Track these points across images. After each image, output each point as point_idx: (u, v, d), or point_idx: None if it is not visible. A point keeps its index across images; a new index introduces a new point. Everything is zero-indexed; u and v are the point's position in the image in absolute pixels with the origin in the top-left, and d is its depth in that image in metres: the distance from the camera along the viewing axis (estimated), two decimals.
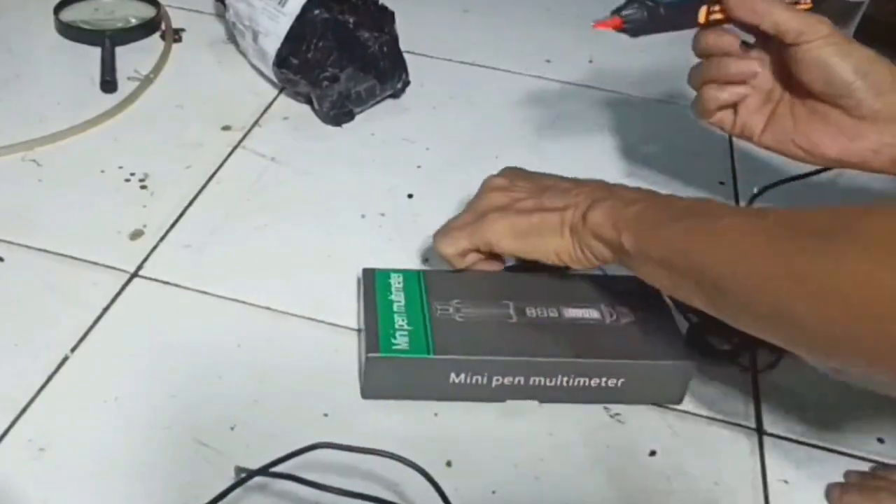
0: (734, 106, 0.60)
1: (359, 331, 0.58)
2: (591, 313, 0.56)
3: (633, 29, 0.57)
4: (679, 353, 0.54)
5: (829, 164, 0.60)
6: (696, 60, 0.60)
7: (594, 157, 0.77)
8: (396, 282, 0.57)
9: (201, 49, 0.85)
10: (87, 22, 0.86)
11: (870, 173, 0.58)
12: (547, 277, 0.58)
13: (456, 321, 0.54)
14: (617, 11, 0.56)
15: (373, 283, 0.57)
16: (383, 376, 0.53)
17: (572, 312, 0.55)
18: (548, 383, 0.53)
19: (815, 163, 0.59)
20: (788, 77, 0.58)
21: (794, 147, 0.59)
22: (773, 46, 0.58)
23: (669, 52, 0.93)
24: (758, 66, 0.59)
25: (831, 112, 0.57)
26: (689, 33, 0.59)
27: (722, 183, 0.75)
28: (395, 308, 0.55)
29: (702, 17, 0.57)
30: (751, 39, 0.59)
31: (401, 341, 0.53)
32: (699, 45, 0.59)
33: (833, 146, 0.57)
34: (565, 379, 0.53)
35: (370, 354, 0.52)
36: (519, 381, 0.53)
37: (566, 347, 0.53)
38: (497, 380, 0.53)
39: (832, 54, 0.55)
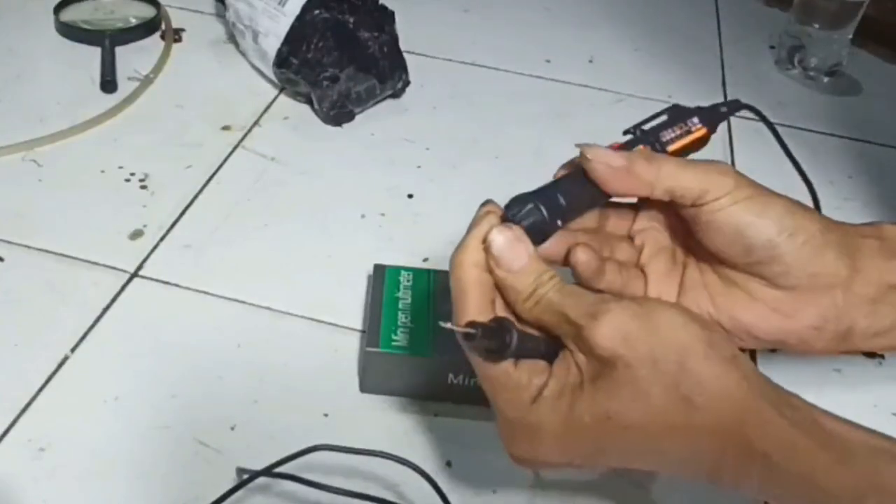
0: (642, 271, 0.46)
1: (362, 329, 0.58)
2: None
3: (536, 235, 0.41)
4: None
5: (761, 347, 0.46)
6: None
7: None
8: (406, 279, 0.57)
9: (201, 49, 0.85)
10: (87, 22, 0.86)
11: None
12: None
13: None
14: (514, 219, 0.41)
15: (382, 279, 0.57)
16: (381, 372, 0.53)
17: None
18: None
19: (745, 346, 0.44)
20: (688, 238, 0.45)
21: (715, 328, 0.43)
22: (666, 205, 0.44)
23: (669, 51, 0.93)
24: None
25: (751, 284, 0.44)
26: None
27: None
28: (400, 305, 0.55)
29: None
30: None
31: (401, 338, 0.53)
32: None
33: (763, 326, 0.44)
34: None
35: (368, 349, 0.52)
36: None
37: None
38: None
39: (745, 212, 0.42)
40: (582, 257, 0.43)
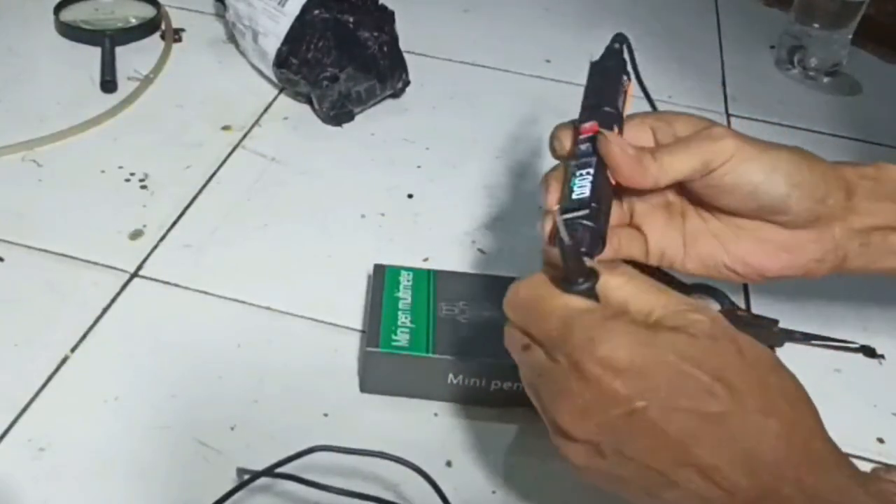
0: (638, 230, 0.48)
1: (362, 329, 0.58)
2: None
3: (590, 249, 0.42)
4: None
5: (769, 283, 0.49)
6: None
7: None
8: (406, 279, 0.57)
9: (201, 49, 0.85)
10: (87, 22, 0.86)
11: None
12: None
13: (460, 322, 0.54)
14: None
15: (382, 279, 0.57)
16: (381, 371, 0.53)
17: None
18: None
19: (749, 282, 0.50)
20: (683, 187, 0.46)
21: (725, 271, 0.47)
22: None
23: (669, 51, 0.93)
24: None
25: (761, 228, 0.46)
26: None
27: None
28: (400, 305, 0.55)
29: None
30: None
31: (401, 338, 0.53)
32: None
33: (772, 265, 0.47)
34: None
35: (369, 349, 0.52)
36: (518, 387, 0.53)
37: None
38: (495, 384, 0.53)
39: (755, 172, 0.44)
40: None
